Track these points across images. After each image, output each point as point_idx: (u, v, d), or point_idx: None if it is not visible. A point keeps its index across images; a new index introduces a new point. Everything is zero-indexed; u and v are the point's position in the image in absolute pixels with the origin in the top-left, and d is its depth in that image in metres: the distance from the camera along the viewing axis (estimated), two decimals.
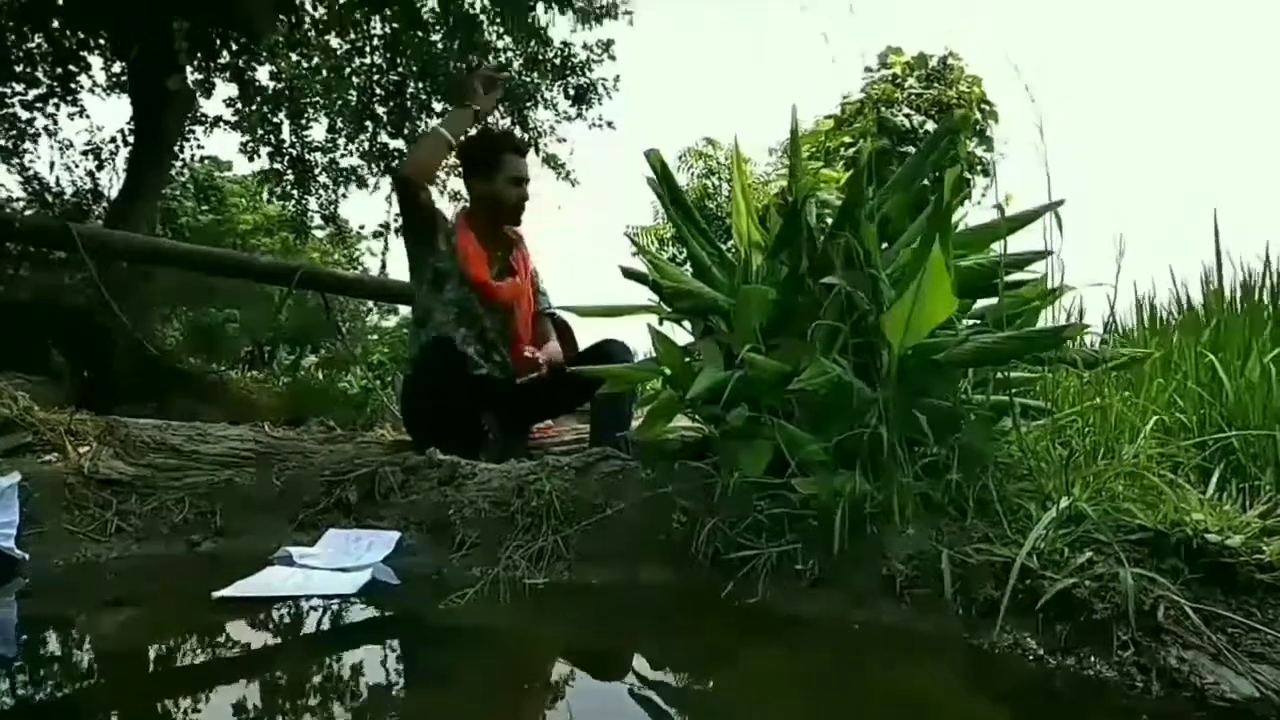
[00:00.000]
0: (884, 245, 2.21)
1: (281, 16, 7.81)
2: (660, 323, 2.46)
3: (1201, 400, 2.16)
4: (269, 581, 1.91)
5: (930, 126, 10.50)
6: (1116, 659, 1.32)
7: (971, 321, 2.15)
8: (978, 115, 11.28)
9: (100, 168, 9.31)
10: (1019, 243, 2.23)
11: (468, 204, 3.22)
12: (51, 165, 9.23)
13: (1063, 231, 2.08)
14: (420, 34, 8.81)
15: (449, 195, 10.14)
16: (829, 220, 2.39)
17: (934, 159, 2.24)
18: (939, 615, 1.56)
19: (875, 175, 2.30)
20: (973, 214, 2.58)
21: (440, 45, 8.96)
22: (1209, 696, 1.22)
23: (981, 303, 2.21)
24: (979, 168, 10.92)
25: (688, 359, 2.32)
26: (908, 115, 10.63)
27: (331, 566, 2.02)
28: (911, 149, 10.57)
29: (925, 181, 2.31)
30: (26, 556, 2.07)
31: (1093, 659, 1.34)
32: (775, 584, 1.76)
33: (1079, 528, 1.55)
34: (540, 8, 8.80)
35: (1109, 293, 2.07)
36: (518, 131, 9.36)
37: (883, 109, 10.80)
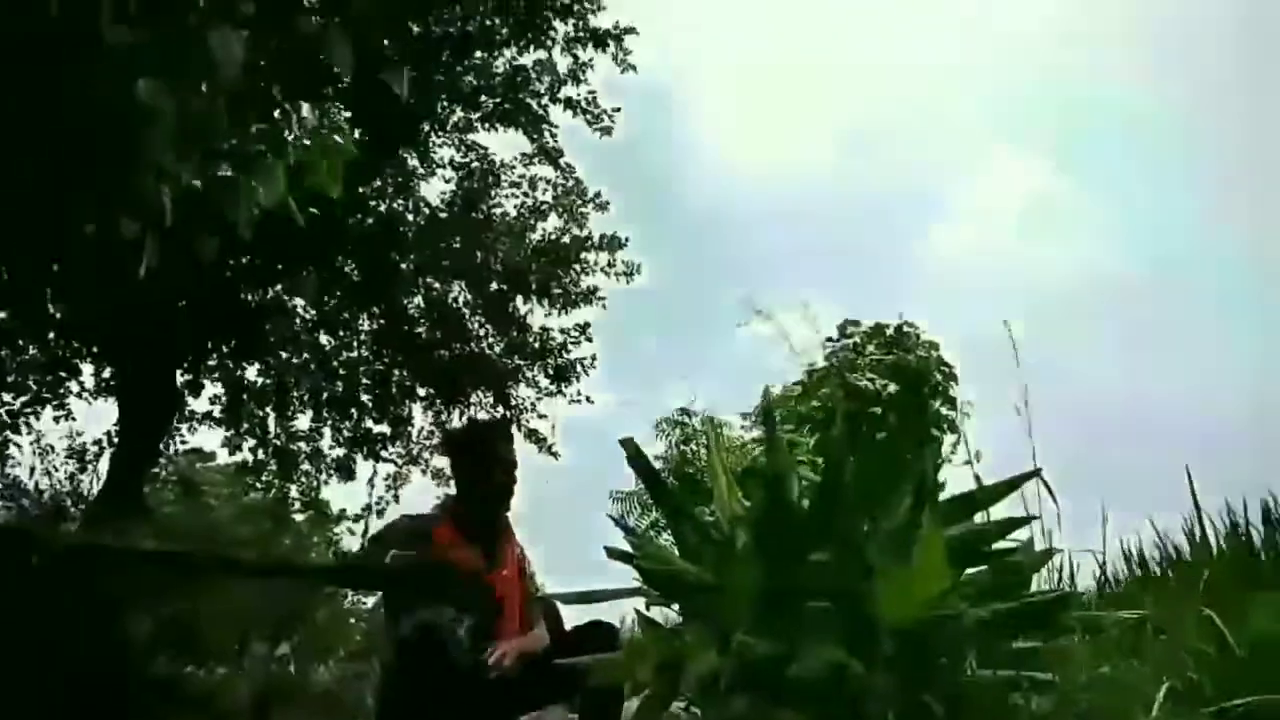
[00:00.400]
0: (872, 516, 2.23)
1: (272, 320, 8.24)
2: (648, 606, 2.41)
3: (1210, 660, 2.09)
4: None
5: (893, 388, 10.95)
6: None
7: (964, 592, 2.12)
8: (938, 378, 11.79)
9: (83, 470, 9.37)
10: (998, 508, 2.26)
11: (451, 497, 3.25)
12: (32, 470, 9.28)
13: (1055, 498, 2.12)
14: (406, 327, 9.30)
15: (431, 473, 10.21)
16: (811, 496, 2.42)
17: (906, 431, 2.32)
18: None
19: (848, 439, 2.37)
20: (945, 471, 2.64)
21: (424, 336, 9.43)
22: None
23: (970, 570, 2.20)
24: (945, 426, 11.26)
25: (677, 643, 2.25)
26: (870, 379, 11.10)
27: None
28: (877, 409, 10.94)
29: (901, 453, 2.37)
30: None
31: None
32: None
33: None
34: (519, 298, 9.38)
35: (1098, 555, 2.08)
36: (499, 411, 9.63)
37: (847, 374, 11.29)
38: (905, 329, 12.41)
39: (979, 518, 2.25)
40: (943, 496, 2.30)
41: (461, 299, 9.58)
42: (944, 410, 11.60)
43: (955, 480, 2.51)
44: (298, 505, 10.63)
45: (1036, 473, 2.07)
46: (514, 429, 9.60)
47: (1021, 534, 2.20)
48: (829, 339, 12.87)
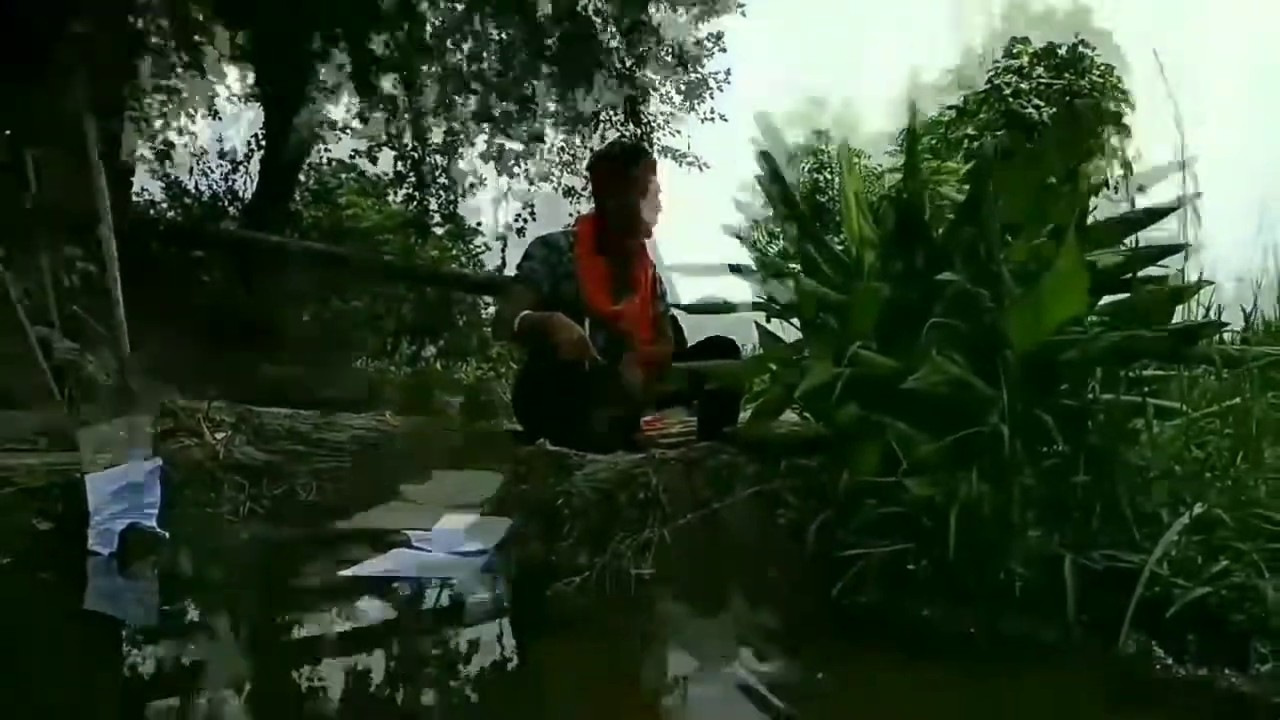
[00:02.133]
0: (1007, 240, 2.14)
1: (404, 25, 8.09)
2: (768, 320, 2.44)
3: None
4: (390, 563, 2.01)
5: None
6: (1254, 673, 1.24)
7: (1099, 318, 2.05)
8: (1112, 104, 10.73)
9: (235, 171, 9.85)
10: (1152, 234, 2.12)
11: (591, 214, 3.24)
12: (190, 171, 9.81)
13: (1201, 222, 1.97)
14: (540, 39, 9.00)
15: (562, 191, 10.31)
16: (947, 216, 2.32)
17: (1061, 150, 2.15)
18: (1061, 624, 1.49)
19: (996, 164, 2.23)
20: (1104, 205, 2.47)
21: (554, 49, 9.13)
22: None
23: (1109, 298, 2.11)
24: (1116, 156, 10.39)
25: (796, 356, 2.29)
26: (1037, 106, 10.19)
27: (447, 550, 2.10)
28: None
29: (1052, 176, 2.22)
30: (167, 535, 2.21)
31: (1227, 672, 1.26)
32: (887, 586, 1.72)
33: (1214, 534, 1.46)
34: (651, 7, 8.85)
35: (1254, 286, 1.94)
36: (630, 128, 9.44)
37: (1010, 100, 10.39)
38: (1081, 49, 11.16)
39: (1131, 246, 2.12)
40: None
41: (592, 7, 9.12)
42: (1114, 141, 10.66)
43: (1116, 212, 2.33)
44: (437, 218, 11.03)
45: (1196, 196, 1.90)
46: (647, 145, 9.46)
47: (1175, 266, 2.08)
48: (994, 61, 11.76)
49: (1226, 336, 2.16)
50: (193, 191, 9.66)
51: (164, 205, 9.59)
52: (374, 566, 1.97)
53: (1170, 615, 1.35)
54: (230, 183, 9.72)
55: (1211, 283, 2.05)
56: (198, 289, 6.02)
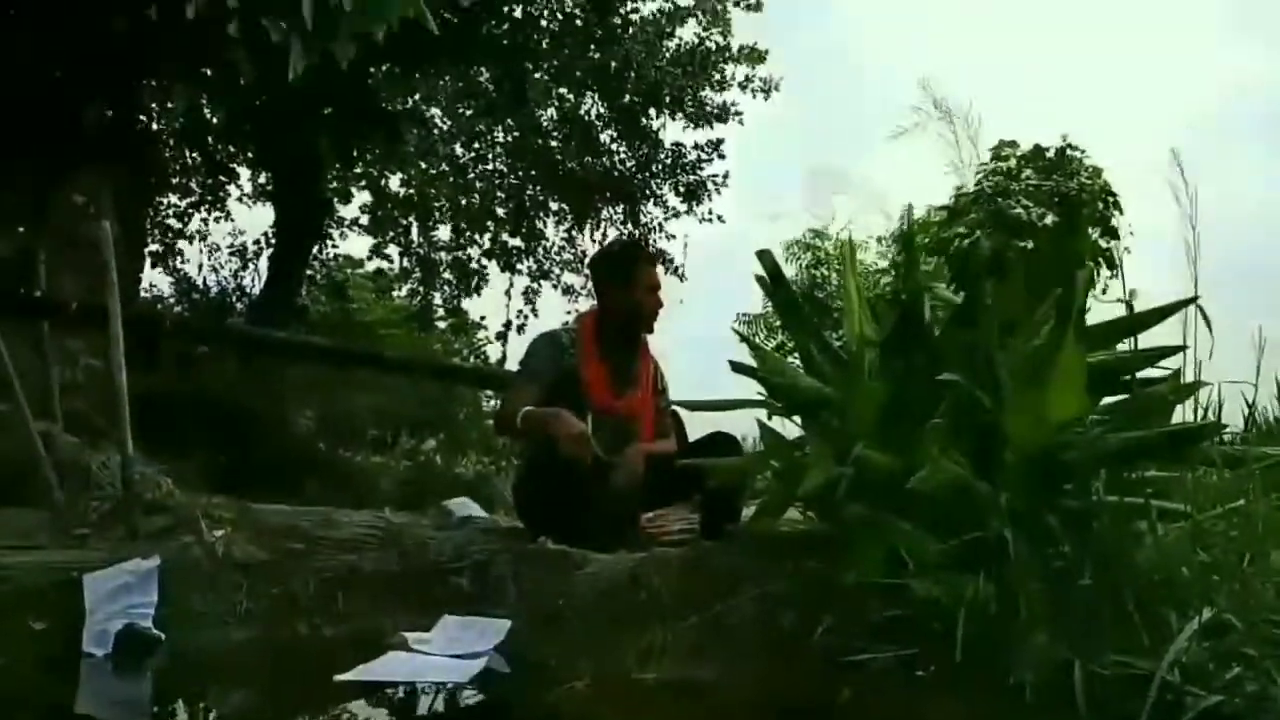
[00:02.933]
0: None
1: (413, 129, 8.36)
2: (769, 417, 2.46)
3: None
4: (387, 667, 1.97)
5: (1050, 219, 10.25)
6: None
7: (1100, 418, 2.06)
8: (1101, 206, 10.95)
9: (244, 268, 10.05)
10: (1150, 338, 2.15)
11: (592, 311, 3.30)
12: (200, 267, 10.02)
13: (1210, 326, 1.99)
14: (539, 140, 9.27)
15: (561, 289, 10.47)
16: (939, 315, 2.36)
17: (1056, 255, 2.20)
18: None
19: (993, 272, 2.27)
20: (1096, 307, 2.51)
21: (558, 150, 9.40)
22: None
23: (1109, 399, 2.13)
24: (1103, 259, 10.54)
25: (797, 453, 2.30)
26: (1025, 207, 10.41)
27: (445, 653, 2.06)
28: (1029, 242, 10.32)
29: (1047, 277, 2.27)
30: (163, 636, 2.17)
31: None
32: (894, 691, 1.69)
33: (1224, 640, 1.45)
34: (652, 112, 9.14)
35: (1249, 389, 1.96)
36: (628, 229, 9.65)
37: (999, 201, 10.63)
38: (1068, 152, 11.46)
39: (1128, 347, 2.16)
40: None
41: (594, 112, 9.43)
42: (1104, 242, 10.83)
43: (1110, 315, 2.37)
44: (441, 313, 11.17)
45: (1192, 300, 1.94)
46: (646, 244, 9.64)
47: (1172, 366, 2.10)
48: (982, 163, 12.08)
49: (1227, 436, 2.17)
50: (200, 286, 9.83)
51: (171, 300, 9.74)
52: (372, 671, 1.93)
53: None
54: (239, 278, 9.92)
55: (1209, 383, 2.07)
56: (202, 384, 6.07)
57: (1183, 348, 2.05)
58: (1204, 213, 2.17)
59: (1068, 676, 1.50)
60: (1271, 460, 1.88)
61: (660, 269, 3.44)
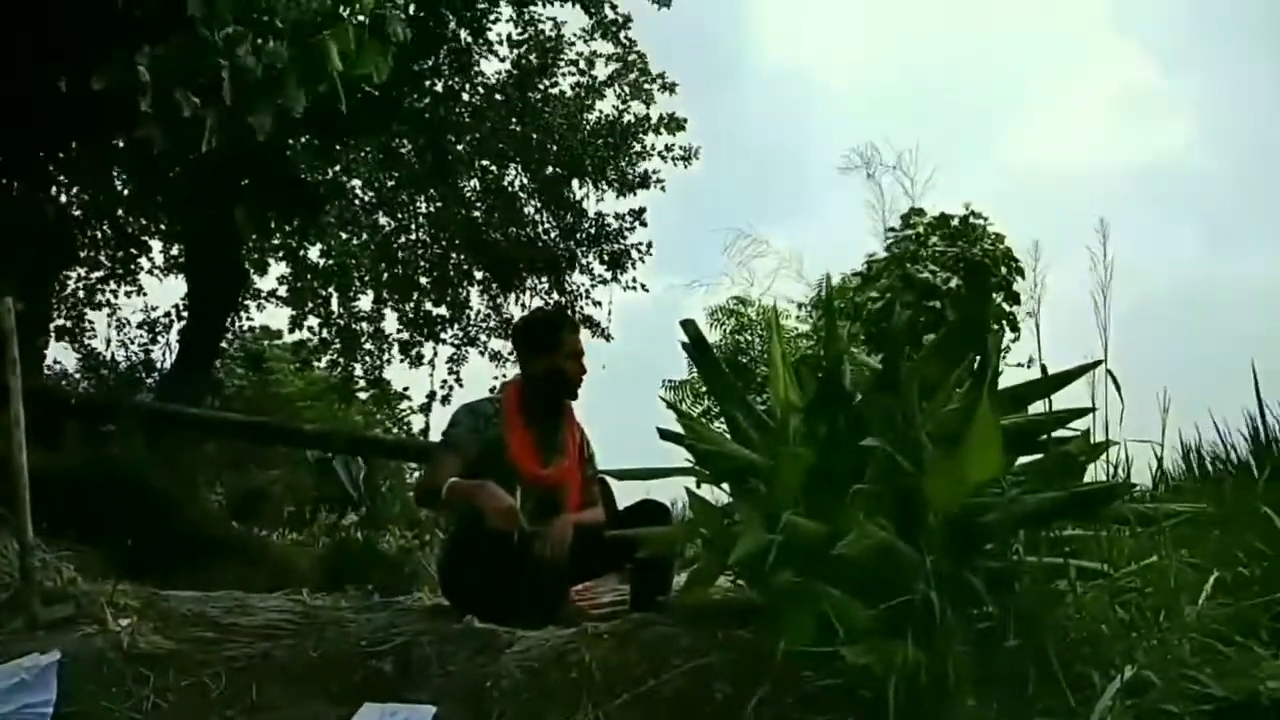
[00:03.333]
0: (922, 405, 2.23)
1: (333, 200, 8.31)
2: (698, 485, 2.46)
3: (1263, 554, 2.08)
4: None
5: (955, 282, 10.68)
6: None
7: (1016, 479, 2.12)
8: (1004, 271, 11.47)
9: (154, 342, 9.73)
10: (1061, 398, 2.23)
11: (515, 380, 3.28)
12: (108, 342, 9.68)
13: (1119, 390, 2.07)
14: (463, 211, 9.29)
15: (488, 356, 10.41)
16: (862, 380, 2.42)
17: (967, 321, 2.28)
18: None
19: (909, 335, 2.34)
20: (1005, 369, 2.60)
21: (481, 220, 9.44)
22: None
23: (1024, 459, 2.19)
24: (1007, 322, 11.02)
25: (726, 521, 2.30)
26: (933, 271, 10.84)
27: None
28: (936, 303, 10.71)
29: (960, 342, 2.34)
30: None
31: None
32: None
33: (1146, 697, 1.48)
34: (575, 182, 9.28)
35: (1155, 448, 2.05)
36: (554, 298, 9.69)
37: (907, 265, 11.05)
38: (972, 219, 12.02)
39: (1040, 408, 2.23)
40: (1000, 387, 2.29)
41: (518, 182, 9.52)
42: (1007, 306, 11.33)
43: (1016, 377, 2.47)
44: (362, 384, 10.95)
45: (1099, 363, 2.03)
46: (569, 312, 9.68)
47: (1081, 426, 2.18)
48: (891, 229, 12.56)
49: (1137, 493, 2.25)
50: (108, 361, 9.48)
51: (78, 376, 9.37)
52: None
53: None
54: (149, 353, 9.61)
55: (1117, 442, 2.15)
56: (109, 463, 5.80)
57: (1092, 409, 2.13)
58: (1112, 278, 2.29)
59: None
60: (1180, 517, 1.95)
61: (583, 335, 3.45)
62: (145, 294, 9.67)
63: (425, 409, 10.16)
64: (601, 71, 9.24)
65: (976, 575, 1.84)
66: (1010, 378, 2.49)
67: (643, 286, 9.83)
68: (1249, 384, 2.72)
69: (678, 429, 2.52)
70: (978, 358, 2.17)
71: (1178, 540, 2.09)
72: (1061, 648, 1.72)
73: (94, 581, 2.91)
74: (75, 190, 7.74)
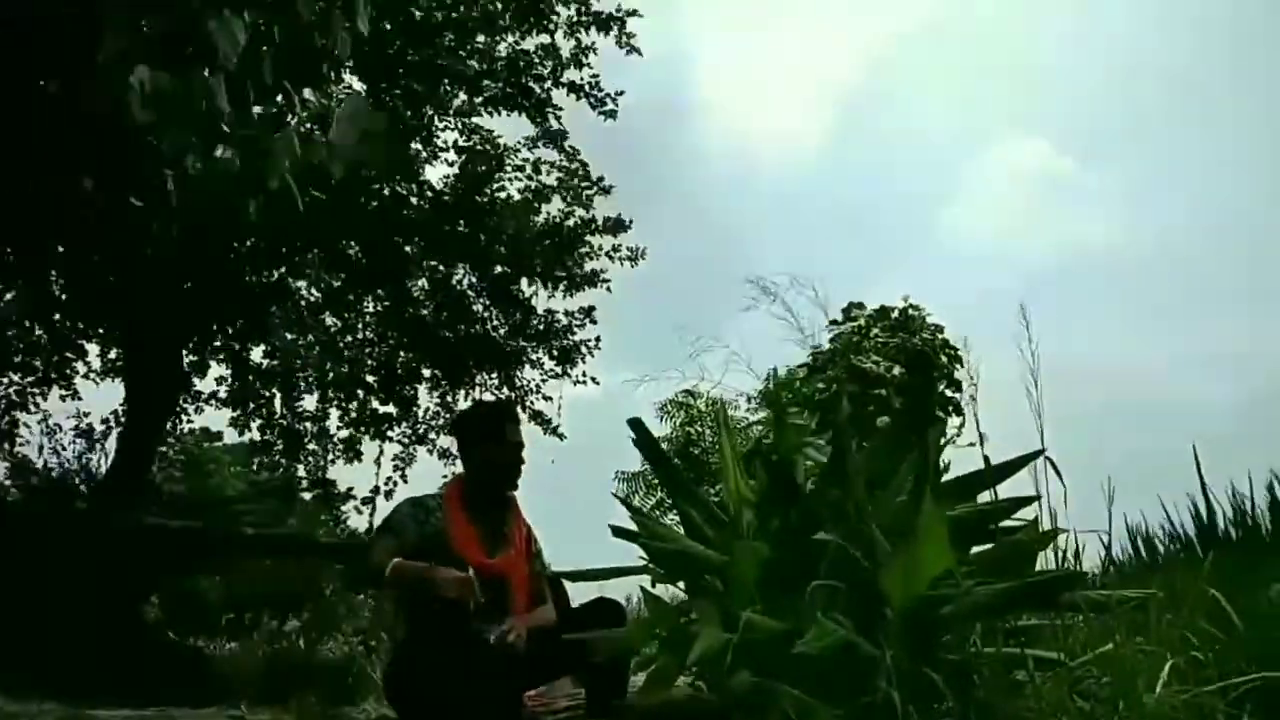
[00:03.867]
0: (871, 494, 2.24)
1: (277, 303, 8.26)
2: (653, 584, 2.43)
3: (1214, 638, 2.10)
4: None
5: (897, 370, 10.92)
6: None
7: (968, 569, 2.13)
8: (944, 359, 11.76)
9: (91, 449, 9.41)
10: (1003, 487, 2.27)
11: (457, 476, 3.26)
12: (40, 449, 9.33)
13: (1061, 478, 2.11)
14: (411, 309, 9.29)
15: (437, 453, 10.26)
16: (816, 475, 2.43)
17: (911, 411, 2.32)
18: None
19: (852, 422, 2.37)
20: (950, 453, 2.65)
21: (429, 318, 9.43)
22: None
23: (976, 549, 2.21)
24: (950, 408, 11.25)
25: (683, 620, 2.26)
26: (875, 361, 11.08)
27: None
28: (882, 391, 10.91)
29: (907, 432, 2.39)
30: None
31: None
32: None
33: None
34: (524, 281, 9.36)
35: (1102, 536, 2.08)
36: (504, 393, 9.64)
37: (852, 357, 11.27)
38: (911, 311, 12.37)
39: (987, 498, 2.26)
40: (948, 477, 2.32)
41: (466, 281, 9.56)
42: (949, 393, 11.59)
43: (963, 462, 2.51)
44: (305, 484, 10.67)
45: (1040, 453, 2.08)
46: (519, 410, 9.63)
47: (1028, 514, 2.21)
48: (834, 321, 12.84)
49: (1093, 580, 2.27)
50: (40, 469, 9.12)
51: (8, 484, 8.99)
52: None
53: None
54: (84, 460, 9.26)
55: (1066, 530, 2.18)
56: (39, 574, 5.53)
57: (1036, 497, 2.17)
58: (1046, 363, 2.36)
59: None
60: (1131, 602, 1.97)
61: (534, 430, 3.46)
62: (80, 399, 9.41)
63: (369, 503, 9.94)
64: (547, 178, 9.46)
65: (936, 669, 1.82)
66: (960, 460, 2.52)
67: (593, 380, 9.85)
68: (1188, 463, 2.79)
69: (630, 525, 2.50)
70: (918, 452, 2.20)
71: (1130, 626, 2.11)
72: None
73: (18, 702, 2.74)
74: (8, 295, 7.58)
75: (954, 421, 11.61)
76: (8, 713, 2.57)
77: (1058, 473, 2.01)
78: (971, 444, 2.40)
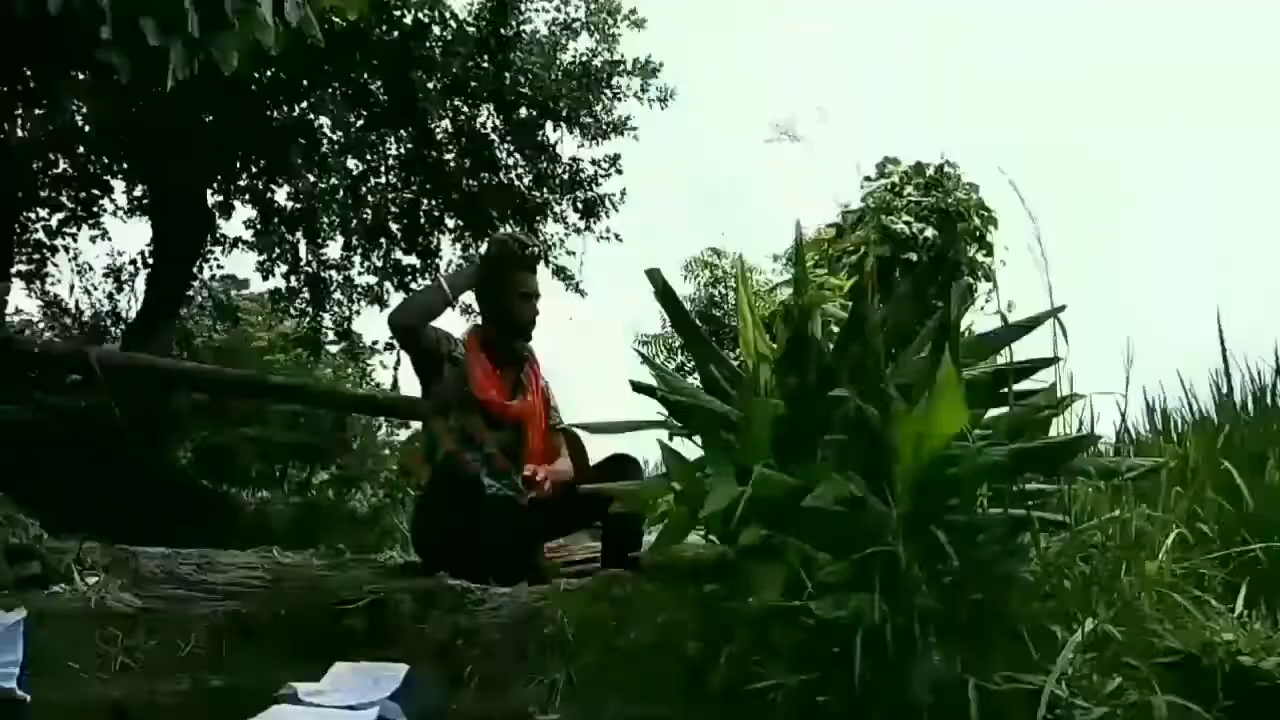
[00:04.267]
0: (892, 354, 2.23)
1: (300, 139, 8.11)
2: (670, 438, 2.45)
3: (1221, 510, 2.12)
4: None
5: (930, 233, 10.67)
6: None
7: (982, 432, 2.13)
8: (976, 221, 11.47)
9: (120, 289, 9.53)
10: (1024, 349, 2.24)
11: (478, 321, 3.26)
12: (71, 288, 9.46)
13: (1068, 338, 2.08)
14: (434, 154, 9.11)
15: (460, 309, 10.32)
16: (835, 330, 2.41)
17: (939, 269, 2.26)
18: None
19: (880, 285, 2.33)
20: (976, 319, 2.61)
21: (452, 164, 9.26)
22: None
23: (991, 412, 2.20)
24: (980, 273, 11.05)
25: (699, 474, 2.30)
26: (907, 222, 10.83)
27: (339, 705, 1.97)
28: (912, 255, 10.71)
29: (931, 290, 2.34)
30: (29, 698, 2.02)
31: None
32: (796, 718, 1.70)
33: (1106, 650, 1.51)
34: (549, 125, 9.10)
35: (1119, 400, 2.06)
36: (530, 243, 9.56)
37: (882, 217, 11.02)
38: (946, 169, 11.98)
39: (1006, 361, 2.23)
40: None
41: (490, 124, 9.32)
42: (980, 256, 11.36)
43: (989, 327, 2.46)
44: (331, 335, 10.82)
45: (1061, 309, 2.02)
46: (541, 264, 9.58)
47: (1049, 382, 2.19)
48: (866, 178, 12.50)
49: (1102, 447, 2.27)
50: (72, 310, 9.28)
51: (40, 325, 9.17)
52: None
53: None
54: (114, 302, 9.39)
55: (1083, 395, 2.16)
56: (73, 417, 5.70)
57: (1056, 359, 2.14)
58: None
59: (963, 695, 1.54)
60: (1142, 470, 1.97)
61: (557, 287, 3.43)
62: (110, 238, 9.46)
63: (396, 361, 10.09)
64: (575, 9, 9.02)
65: (942, 529, 1.85)
66: (986, 326, 2.48)
67: (616, 236, 9.73)
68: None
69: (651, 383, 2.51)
70: (942, 309, 2.16)
71: (1140, 495, 2.12)
72: (1024, 601, 1.75)
73: (60, 539, 2.87)
74: (34, 127, 7.49)
75: (984, 288, 11.45)
76: (51, 549, 2.68)
77: (1064, 334, 1.97)
78: (998, 312, 2.36)
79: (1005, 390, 2.21)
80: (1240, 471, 2.16)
